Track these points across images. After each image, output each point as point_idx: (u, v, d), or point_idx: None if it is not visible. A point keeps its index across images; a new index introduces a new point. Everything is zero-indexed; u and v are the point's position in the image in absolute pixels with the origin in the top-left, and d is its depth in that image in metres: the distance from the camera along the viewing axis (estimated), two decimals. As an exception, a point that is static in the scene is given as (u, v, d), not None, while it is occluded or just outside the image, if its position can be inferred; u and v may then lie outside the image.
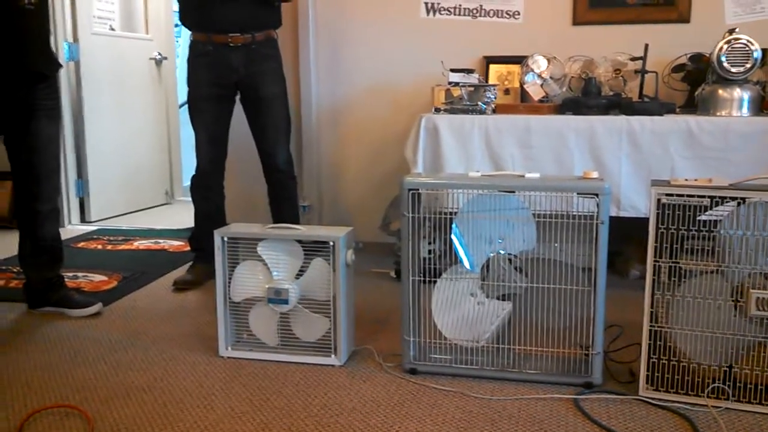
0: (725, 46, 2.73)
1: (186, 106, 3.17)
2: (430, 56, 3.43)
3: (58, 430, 1.80)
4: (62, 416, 1.88)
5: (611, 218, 1.96)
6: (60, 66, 2.73)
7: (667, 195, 1.84)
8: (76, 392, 2.03)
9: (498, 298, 2.07)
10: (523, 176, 2.04)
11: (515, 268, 2.05)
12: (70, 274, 3.26)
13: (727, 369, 1.89)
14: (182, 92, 4.45)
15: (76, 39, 4.51)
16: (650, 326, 1.91)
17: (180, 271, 3.32)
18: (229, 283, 2.26)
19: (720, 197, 1.81)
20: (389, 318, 2.62)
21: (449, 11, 3.53)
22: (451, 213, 2.08)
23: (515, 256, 2.05)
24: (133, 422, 1.85)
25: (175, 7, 3.20)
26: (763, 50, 2.80)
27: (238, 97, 3.15)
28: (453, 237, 2.07)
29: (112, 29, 4.91)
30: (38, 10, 2.55)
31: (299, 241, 2.22)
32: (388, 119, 3.63)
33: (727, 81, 2.74)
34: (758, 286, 1.81)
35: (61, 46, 4.39)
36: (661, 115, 2.75)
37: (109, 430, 1.80)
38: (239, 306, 2.28)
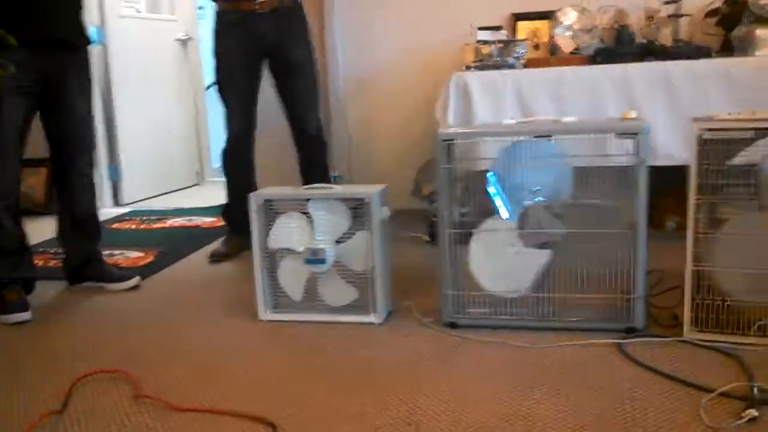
0: (761, -15, 2.65)
1: (213, 86, 3.16)
2: (457, 16, 3.38)
3: (106, 392, 1.82)
4: (108, 381, 1.90)
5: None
6: (90, 41, 2.73)
7: (709, 130, 1.79)
8: (121, 359, 2.05)
9: (537, 247, 2.04)
10: (559, 121, 2.01)
11: (553, 215, 2.01)
12: (107, 252, 3.28)
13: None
14: (208, 74, 4.47)
15: (103, 23, 4.54)
16: (692, 267, 1.87)
17: (215, 245, 3.33)
18: (267, 235, 2.25)
19: (764, 129, 1.75)
20: (423, 281, 2.59)
21: (476, -31, 3.47)
22: (484, 168, 2.05)
23: (553, 204, 2.02)
24: (178, 383, 1.86)
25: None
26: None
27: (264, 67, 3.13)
28: (489, 188, 2.04)
29: (138, 11, 4.93)
30: None
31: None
32: (416, 83, 3.59)
33: (765, 20, 2.65)
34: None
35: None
36: (697, 59, 2.68)
37: (154, 391, 1.81)
38: (276, 270, 2.28)
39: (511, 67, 2.88)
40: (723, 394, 1.59)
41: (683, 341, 1.90)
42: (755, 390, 1.58)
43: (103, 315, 2.47)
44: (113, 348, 2.15)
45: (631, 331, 1.98)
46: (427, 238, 3.22)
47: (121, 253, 3.35)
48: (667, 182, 2.55)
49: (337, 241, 2.21)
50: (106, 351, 2.13)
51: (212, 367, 1.96)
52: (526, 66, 2.91)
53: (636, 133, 1.86)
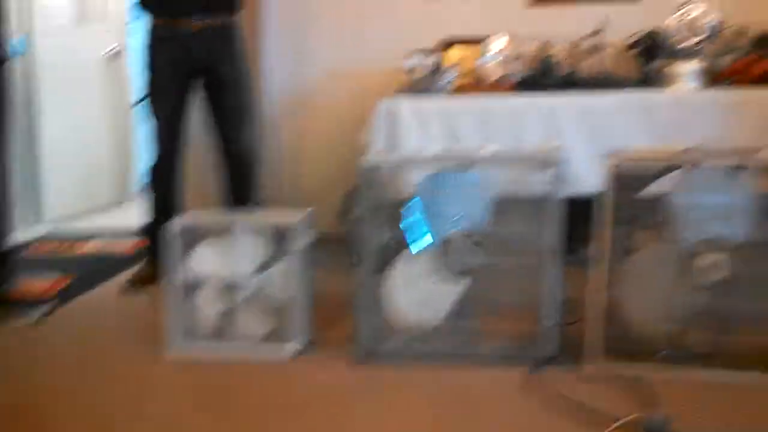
0: (676, 21, 2.73)
1: (141, 103, 3.09)
2: (389, 41, 3.39)
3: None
4: None
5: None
6: (9, 54, 2.61)
7: (620, 164, 1.83)
8: (7, 410, 1.90)
9: (455, 276, 2.04)
10: (479, 150, 2.02)
11: (473, 244, 2.02)
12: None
13: (677, 335, 1.88)
14: (137, 88, 4.34)
15: (27, 32, 4.39)
16: (602, 297, 1.90)
17: (134, 270, 3.16)
18: (185, 263, 2.19)
19: (672, 164, 1.80)
20: (346, 308, 2.53)
21: (408, -6, 3.49)
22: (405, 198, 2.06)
23: (472, 233, 2.02)
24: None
25: (129, -2, 3.12)
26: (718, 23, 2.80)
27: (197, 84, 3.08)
28: (407, 217, 2.04)
29: (67, 23, 4.79)
30: None
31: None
32: (346, 105, 3.57)
33: (678, 55, 2.74)
34: (705, 252, 1.81)
35: (12, 40, 4.26)
36: (615, 90, 2.74)
37: None
38: (188, 302, 2.21)
39: (440, 92, 2.90)
40: (625, 424, 1.62)
41: (592, 370, 1.93)
42: (654, 419, 1.61)
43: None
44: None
45: (543, 360, 1.99)
46: (353, 262, 3.19)
47: (30, 282, 3.12)
48: (579, 211, 2.58)
49: (258, 269, 2.17)
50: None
51: (113, 412, 1.85)
52: (454, 92, 2.94)
53: (551, 165, 1.89)
